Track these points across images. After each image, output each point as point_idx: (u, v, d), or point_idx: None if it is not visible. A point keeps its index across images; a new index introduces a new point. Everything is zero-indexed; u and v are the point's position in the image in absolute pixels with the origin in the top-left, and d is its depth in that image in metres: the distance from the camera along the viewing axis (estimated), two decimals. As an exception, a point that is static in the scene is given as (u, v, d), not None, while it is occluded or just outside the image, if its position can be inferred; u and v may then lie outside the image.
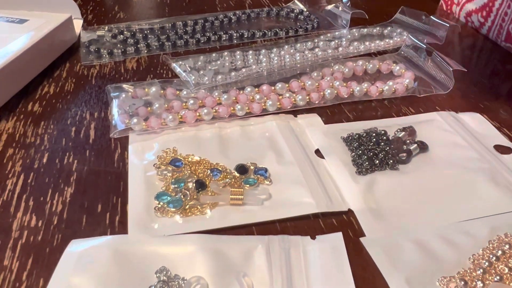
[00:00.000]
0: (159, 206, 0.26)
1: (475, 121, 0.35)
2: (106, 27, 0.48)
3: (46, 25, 0.41)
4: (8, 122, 0.33)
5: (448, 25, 0.45)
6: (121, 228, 0.25)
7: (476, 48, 0.46)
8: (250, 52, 0.42)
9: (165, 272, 0.22)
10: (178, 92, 0.36)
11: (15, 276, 0.22)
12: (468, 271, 0.23)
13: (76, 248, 0.23)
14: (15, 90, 0.36)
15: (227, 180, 0.28)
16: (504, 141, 0.33)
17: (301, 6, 0.54)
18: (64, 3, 0.44)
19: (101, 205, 0.26)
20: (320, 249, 0.24)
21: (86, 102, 0.36)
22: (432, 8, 0.56)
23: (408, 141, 0.32)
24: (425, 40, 0.43)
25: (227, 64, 0.40)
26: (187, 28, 0.48)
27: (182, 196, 0.26)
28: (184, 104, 0.35)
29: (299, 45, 0.44)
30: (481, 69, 0.42)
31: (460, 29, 0.46)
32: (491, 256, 0.24)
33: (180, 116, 0.33)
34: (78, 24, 0.45)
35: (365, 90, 0.37)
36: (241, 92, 0.36)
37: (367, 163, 0.30)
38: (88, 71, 0.41)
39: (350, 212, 0.26)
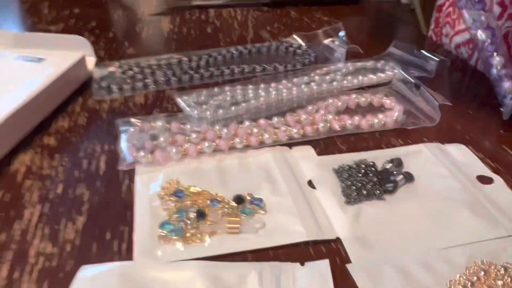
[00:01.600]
0: (163, 234, 0.28)
1: (460, 152, 0.36)
2: (117, 63, 0.50)
3: (62, 64, 0.43)
4: (25, 155, 0.36)
5: (438, 59, 0.47)
6: (128, 254, 0.27)
7: (464, 81, 0.48)
8: (250, 87, 0.44)
9: (166, 296, 0.24)
10: (182, 126, 0.38)
11: (32, 299, 0.24)
12: (444, 296, 0.24)
13: (87, 273, 0.25)
14: (33, 125, 0.39)
15: (225, 210, 0.30)
16: (486, 172, 0.34)
17: (300, 41, 0.57)
18: (78, 42, 0.47)
19: (110, 233, 0.28)
20: (308, 275, 0.25)
21: (97, 135, 0.38)
22: (423, 44, 0.59)
23: (395, 172, 0.33)
24: (415, 74, 0.45)
25: (228, 98, 0.43)
26: (191, 64, 0.50)
27: (183, 225, 0.28)
28: (187, 137, 0.37)
29: (295, 79, 0.46)
30: (468, 101, 0.44)
31: (449, 64, 0.48)
32: (467, 281, 0.25)
33: (183, 149, 0.35)
34: (91, 61, 0.48)
35: (357, 123, 0.39)
36: (240, 126, 0.38)
37: (355, 193, 0.31)
38: (100, 106, 0.43)
39: (338, 240, 0.28)
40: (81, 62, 0.46)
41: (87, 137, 0.38)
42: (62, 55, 0.45)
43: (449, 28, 0.54)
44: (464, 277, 0.25)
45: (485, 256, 0.26)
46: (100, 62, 0.51)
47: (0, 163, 0.35)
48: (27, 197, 0.31)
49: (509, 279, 0.25)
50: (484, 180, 0.33)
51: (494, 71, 0.41)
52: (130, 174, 0.34)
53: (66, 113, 0.42)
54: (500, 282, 0.25)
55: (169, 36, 0.61)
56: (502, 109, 0.40)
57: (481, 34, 0.44)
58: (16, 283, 0.25)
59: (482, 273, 0.25)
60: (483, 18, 0.44)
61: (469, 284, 0.25)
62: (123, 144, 0.36)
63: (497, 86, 0.41)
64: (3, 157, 0.35)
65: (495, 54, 0.41)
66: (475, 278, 0.25)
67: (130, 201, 0.31)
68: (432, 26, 0.59)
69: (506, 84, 0.39)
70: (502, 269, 0.26)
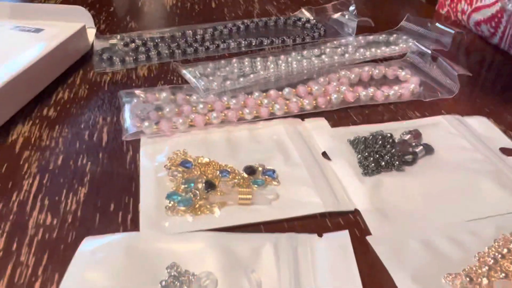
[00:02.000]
0: (170, 205, 0.26)
1: (480, 124, 0.35)
2: (118, 36, 0.49)
3: (61, 34, 0.42)
4: (24, 126, 0.34)
5: (453, 31, 0.45)
6: (133, 226, 0.25)
7: (482, 54, 0.46)
8: (258, 59, 0.43)
9: (175, 268, 0.22)
10: (188, 97, 0.37)
11: (31, 271, 0.23)
12: (474, 268, 0.23)
13: (90, 245, 0.24)
14: (31, 96, 0.37)
15: (236, 180, 0.28)
16: (509, 144, 0.33)
17: (308, 15, 0.55)
18: (78, 13, 0.46)
19: (113, 205, 0.27)
20: (327, 246, 0.24)
21: (99, 107, 0.37)
22: (437, 17, 0.57)
23: (413, 144, 0.32)
24: (430, 46, 0.43)
25: (235, 70, 0.41)
26: (196, 37, 0.49)
27: (192, 196, 0.27)
28: (193, 108, 0.35)
29: (306, 52, 0.45)
30: (487, 74, 0.43)
31: (465, 36, 0.46)
32: (496, 254, 0.24)
33: (190, 120, 0.34)
34: (91, 33, 0.47)
35: (371, 94, 0.37)
36: (249, 96, 0.37)
37: (373, 164, 0.30)
38: (101, 78, 0.42)
39: (356, 212, 0.27)
40: (81, 32, 0.44)
41: (88, 108, 0.37)
42: (61, 25, 0.43)
43: (466, 5, 0.52)
44: (493, 249, 0.24)
45: (513, 229, 0.25)
46: (100, 34, 0.49)
47: (-3, 134, 0.33)
48: (25, 168, 0.30)
49: (541, 252, 0.24)
50: (508, 151, 0.32)
51: None
52: (134, 145, 0.32)
53: (66, 84, 0.40)
54: (532, 255, 0.24)
55: (172, 10, 0.59)
56: None
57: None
58: (14, 255, 0.24)
59: (512, 245, 0.24)
60: None
61: (499, 256, 0.24)
62: (127, 114, 0.35)
63: None
64: (0, 127, 0.34)
65: None
66: (505, 250, 0.24)
67: (134, 172, 0.30)
68: (447, 1, 0.56)
69: None
70: (533, 241, 0.24)
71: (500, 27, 0.46)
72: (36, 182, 0.29)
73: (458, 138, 0.33)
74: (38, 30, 0.43)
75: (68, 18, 0.45)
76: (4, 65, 0.36)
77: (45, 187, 0.28)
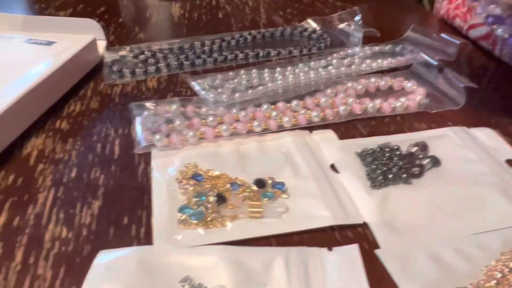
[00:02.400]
0: (182, 218, 0.27)
1: (486, 136, 0.35)
2: (128, 47, 0.49)
3: (72, 46, 0.42)
4: (38, 139, 0.35)
5: (458, 42, 0.46)
6: (147, 239, 0.26)
7: (487, 66, 0.47)
8: (266, 70, 0.43)
9: (189, 281, 0.23)
10: (197, 109, 0.37)
11: (49, 285, 0.23)
12: (481, 282, 0.23)
13: (105, 258, 0.24)
14: (44, 108, 0.38)
15: (246, 193, 0.29)
16: (515, 155, 0.33)
17: (314, 25, 0.56)
18: (89, 25, 0.46)
19: (127, 218, 0.27)
20: (337, 260, 0.24)
21: (110, 119, 0.38)
22: (442, 26, 0.57)
23: (421, 156, 0.32)
24: (436, 57, 0.44)
25: (243, 82, 0.42)
26: (204, 48, 0.49)
27: (203, 209, 0.27)
28: (203, 121, 0.36)
29: (312, 63, 0.45)
30: (492, 86, 0.43)
31: (471, 46, 0.46)
32: (504, 267, 0.24)
33: (200, 133, 0.34)
34: (101, 45, 0.47)
35: (378, 106, 0.38)
36: (258, 109, 0.37)
37: (381, 177, 0.30)
38: (112, 90, 0.42)
39: (365, 225, 0.27)
40: (92, 45, 0.44)
41: (100, 121, 0.37)
42: (72, 38, 0.44)
43: (461, 21, 0.52)
44: (501, 263, 0.24)
45: (521, 242, 0.26)
46: (110, 46, 0.50)
47: (12, 147, 0.34)
48: (40, 181, 0.31)
49: (549, 265, 0.24)
50: (514, 164, 0.32)
51: None
52: (146, 158, 0.33)
53: (78, 97, 0.41)
54: (539, 268, 0.24)
55: (180, 21, 0.59)
56: None
57: (500, 31, 0.43)
58: (31, 268, 0.24)
59: (520, 258, 0.24)
60: (498, 11, 0.42)
61: (507, 270, 0.24)
62: (138, 127, 0.35)
63: None
64: (15, 141, 0.34)
65: None
66: (512, 264, 0.24)
67: (146, 185, 0.30)
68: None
69: None
70: (541, 254, 0.24)
71: (497, 44, 0.46)
72: (51, 195, 0.29)
73: (465, 150, 0.33)
74: (50, 43, 0.43)
75: (79, 30, 0.46)
76: (18, 78, 0.37)
77: (60, 200, 0.29)
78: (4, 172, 0.31)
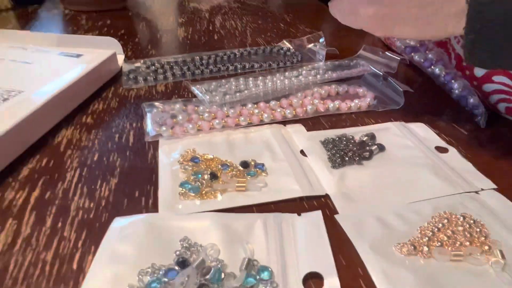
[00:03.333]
0: (182, 192, 0.26)
1: (420, 129, 0.35)
2: (142, 60, 0.48)
3: (97, 58, 0.41)
4: (67, 131, 0.33)
5: (398, 58, 0.45)
6: (153, 208, 0.25)
7: (419, 76, 0.46)
8: (250, 78, 0.42)
9: (187, 240, 0.22)
10: (196, 108, 0.36)
11: (73, 244, 0.22)
12: (417, 239, 0.23)
13: (119, 223, 0.24)
14: (73, 106, 0.36)
15: (234, 172, 0.28)
16: (442, 144, 0.33)
17: (289, 45, 0.55)
18: (110, 42, 0.45)
19: (138, 192, 0.26)
20: (304, 223, 0.24)
21: (127, 115, 0.36)
22: (385, 48, 0.57)
23: (370, 143, 0.32)
24: (381, 69, 0.43)
25: (233, 87, 0.41)
26: (203, 61, 0.48)
27: (199, 184, 0.27)
28: (200, 116, 0.35)
29: (287, 73, 0.44)
30: (423, 91, 0.43)
31: (407, 61, 0.46)
32: (434, 227, 0.24)
33: (198, 125, 0.33)
34: (120, 58, 0.46)
35: (337, 106, 0.37)
36: (244, 107, 0.36)
37: (339, 159, 0.30)
38: (128, 93, 0.41)
39: (326, 196, 0.27)
40: (112, 57, 0.43)
41: (118, 116, 0.36)
42: (96, 52, 0.43)
43: (400, 43, 0.51)
44: (432, 224, 0.24)
45: (446, 208, 0.25)
46: (127, 59, 0.48)
47: (47, 136, 0.32)
48: (68, 163, 0.29)
49: (467, 225, 0.24)
50: (441, 150, 0.32)
51: (456, 92, 0.38)
52: (154, 145, 0.32)
53: (101, 98, 0.39)
54: (460, 228, 0.24)
55: (184, 41, 0.58)
56: (476, 120, 0.36)
57: (417, 57, 0.43)
58: (59, 231, 0.23)
59: (446, 220, 0.24)
60: (430, 56, 0.42)
61: (436, 229, 0.24)
62: (148, 121, 0.34)
63: (463, 102, 0.38)
64: (49, 131, 0.33)
65: (452, 81, 0.39)
66: (440, 225, 0.24)
67: (154, 166, 0.29)
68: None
69: (471, 100, 0.36)
70: (461, 217, 0.24)
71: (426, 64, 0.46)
72: (76, 174, 0.28)
73: (403, 139, 0.33)
74: (78, 56, 0.42)
75: (102, 46, 0.44)
76: (52, 82, 0.35)
77: (83, 178, 0.28)
78: (39, 156, 0.30)
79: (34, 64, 0.40)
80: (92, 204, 0.25)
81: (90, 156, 0.30)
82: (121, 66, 0.45)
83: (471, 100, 0.37)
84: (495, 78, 0.35)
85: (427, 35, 0.27)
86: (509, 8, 0.22)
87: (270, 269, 0.21)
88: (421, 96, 0.41)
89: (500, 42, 0.23)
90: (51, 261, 0.21)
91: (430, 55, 0.42)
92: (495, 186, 0.27)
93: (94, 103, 0.38)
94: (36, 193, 0.26)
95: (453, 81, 0.39)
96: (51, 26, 0.63)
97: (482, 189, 0.27)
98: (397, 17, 0.27)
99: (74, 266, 0.21)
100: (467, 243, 0.23)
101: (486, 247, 0.22)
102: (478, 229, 0.23)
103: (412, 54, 0.44)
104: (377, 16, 0.28)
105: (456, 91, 0.38)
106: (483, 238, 0.23)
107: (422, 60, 0.43)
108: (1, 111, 0.30)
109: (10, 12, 0.67)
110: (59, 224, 0.24)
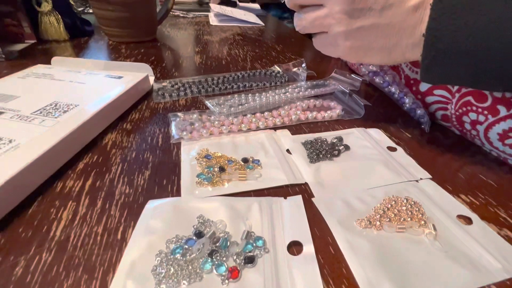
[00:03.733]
0: (198, 181, 0.26)
1: (376, 133, 0.35)
2: (168, 80, 0.48)
3: (134, 79, 0.41)
4: (112, 134, 0.33)
5: (361, 79, 0.46)
6: (177, 193, 0.25)
7: (376, 93, 0.47)
8: (249, 95, 0.42)
9: (202, 217, 0.22)
10: (209, 117, 0.37)
11: (117, 220, 0.23)
12: (372, 216, 0.24)
13: (152, 204, 0.24)
14: (116, 116, 0.36)
15: (237, 166, 0.28)
16: (392, 144, 0.33)
17: (278, 69, 0.55)
18: (144, 67, 0.45)
19: (165, 181, 0.27)
20: (289, 204, 0.24)
21: (156, 123, 0.36)
22: (351, 71, 0.57)
23: (338, 144, 0.32)
24: (348, 88, 0.44)
25: (236, 101, 0.41)
26: (214, 81, 0.48)
27: (211, 175, 0.27)
28: (212, 124, 0.35)
29: (277, 90, 0.44)
30: (379, 104, 0.43)
31: (368, 82, 0.46)
32: (384, 207, 0.24)
33: (210, 131, 0.33)
34: (151, 78, 0.46)
35: (315, 116, 0.38)
36: (244, 117, 0.36)
37: (315, 156, 0.30)
38: (157, 106, 0.41)
39: (306, 184, 0.27)
40: (146, 79, 0.43)
41: (150, 124, 0.36)
42: (133, 75, 0.43)
43: (364, 69, 0.52)
44: (383, 205, 0.25)
45: (394, 193, 0.26)
46: (157, 80, 0.48)
47: (96, 139, 0.32)
48: (113, 159, 0.30)
49: (409, 206, 0.24)
50: (391, 149, 0.32)
51: (407, 105, 0.39)
52: (177, 146, 0.32)
53: (137, 109, 0.39)
54: (404, 208, 0.24)
55: (200, 66, 0.58)
56: (423, 126, 0.36)
57: (377, 80, 0.43)
58: (107, 211, 0.23)
59: (393, 202, 0.25)
60: (387, 78, 0.42)
61: (386, 209, 0.24)
62: (173, 127, 0.34)
63: (412, 113, 0.38)
64: (98, 135, 0.33)
65: (405, 97, 0.39)
66: (389, 205, 0.24)
67: (177, 162, 0.29)
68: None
69: (418, 111, 0.37)
70: (405, 200, 0.25)
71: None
72: (119, 168, 0.28)
73: (363, 141, 0.34)
74: (120, 77, 0.42)
75: (137, 70, 0.44)
76: (100, 99, 0.35)
77: (124, 171, 0.28)
78: (91, 154, 0.30)
79: (87, 84, 0.40)
80: (131, 190, 0.26)
81: (129, 154, 0.30)
82: (152, 85, 0.45)
83: (419, 112, 0.37)
84: (436, 91, 0.35)
85: (390, 61, 0.28)
86: (456, 40, 0.22)
87: (263, 239, 0.21)
88: (377, 108, 0.42)
89: (449, 65, 0.23)
90: (101, 232, 0.22)
91: (387, 78, 0.43)
92: (430, 177, 0.28)
93: (132, 113, 0.38)
94: (89, 182, 0.26)
95: (405, 97, 0.39)
96: (98, 54, 0.63)
97: (421, 179, 0.28)
98: (367, 48, 0.27)
99: (118, 236, 0.21)
100: (409, 219, 0.23)
101: (423, 222, 0.23)
102: (417, 209, 0.24)
103: (374, 77, 0.44)
104: (352, 48, 0.28)
105: (407, 105, 0.39)
106: (420, 215, 0.23)
107: (381, 81, 0.43)
108: (63, 120, 0.30)
109: (68, 42, 0.67)
110: (107, 205, 0.24)
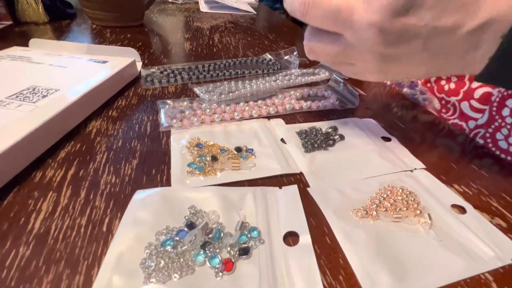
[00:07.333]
0: (190, 170, 0.25)
1: (370, 123, 0.35)
2: (156, 67, 0.46)
3: (119, 64, 0.39)
4: (96, 122, 0.32)
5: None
6: (167, 183, 0.24)
7: (371, 83, 0.46)
8: (240, 82, 0.41)
9: (194, 208, 0.21)
10: (200, 105, 0.35)
11: (103, 212, 0.21)
12: (368, 205, 0.23)
13: (139, 195, 0.23)
14: (101, 102, 0.34)
15: (230, 155, 0.27)
16: (386, 134, 0.33)
17: (270, 57, 0.54)
18: (131, 52, 0.43)
19: (154, 170, 0.25)
20: (284, 194, 0.24)
21: (144, 110, 0.35)
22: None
23: (333, 134, 0.32)
24: (339, 76, 0.43)
25: (227, 88, 0.39)
26: (204, 68, 0.46)
27: (203, 165, 0.26)
28: (203, 112, 0.34)
29: (268, 78, 0.43)
30: (374, 94, 0.43)
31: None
32: (380, 197, 0.24)
33: (201, 119, 0.32)
34: (139, 64, 0.43)
35: (309, 105, 0.37)
36: (237, 105, 0.35)
37: (310, 146, 0.29)
38: (146, 92, 0.39)
39: (301, 174, 0.26)
40: (132, 64, 0.41)
41: (138, 111, 0.34)
42: (119, 59, 0.40)
43: None
44: (379, 194, 0.24)
45: (389, 182, 0.26)
46: (145, 66, 0.46)
47: (79, 126, 0.31)
48: (97, 148, 0.28)
49: (404, 195, 0.24)
50: (385, 139, 0.32)
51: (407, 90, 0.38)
52: (167, 134, 0.30)
53: (123, 96, 0.37)
54: (400, 197, 0.24)
55: (189, 52, 0.56)
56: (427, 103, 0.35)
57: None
58: (91, 202, 0.22)
59: (389, 192, 0.24)
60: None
61: (382, 198, 0.24)
62: (162, 115, 0.33)
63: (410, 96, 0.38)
64: (81, 122, 0.31)
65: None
66: (385, 195, 0.24)
67: (167, 151, 0.28)
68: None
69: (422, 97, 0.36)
70: (400, 189, 0.25)
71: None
72: (105, 156, 0.27)
73: (358, 130, 0.33)
74: (104, 62, 0.39)
75: (124, 54, 0.42)
76: (82, 84, 0.33)
77: (110, 159, 0.26)
78: (73, 142, 0.28)
79: (68, 68, 0.37)
80: (118, 180, 0.24)
81: (115, 142, 0.29)
82: (140, 71, 0.43)
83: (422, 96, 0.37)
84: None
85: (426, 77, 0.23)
86: None
87: (258, 229, 0.20)
88: (372, 98, 0.41)
89: None
90: (85, 224, 0.20)
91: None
92: (424, 166, 0.28)
93: (118, 100, 0.36)
94: (71, 172, 0.25)
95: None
96: (81, 37, 0.60)
97: (416, 169, 0.28)
98: (399, 75, 0.23)
99: (104, 228, 0.20)
100: (404, 209, 0.23)
101: (418, 212, 0.23)
102: (412, 198, 0.24)
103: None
104: (380, 77, 0.24)
105: (407, 89, 0.38)
106: (416, 205, 0.23)
107: None
108: (42, 106, 0.28)
109: (47, 25, 0.63)
110: (91, 196, 0.23)
